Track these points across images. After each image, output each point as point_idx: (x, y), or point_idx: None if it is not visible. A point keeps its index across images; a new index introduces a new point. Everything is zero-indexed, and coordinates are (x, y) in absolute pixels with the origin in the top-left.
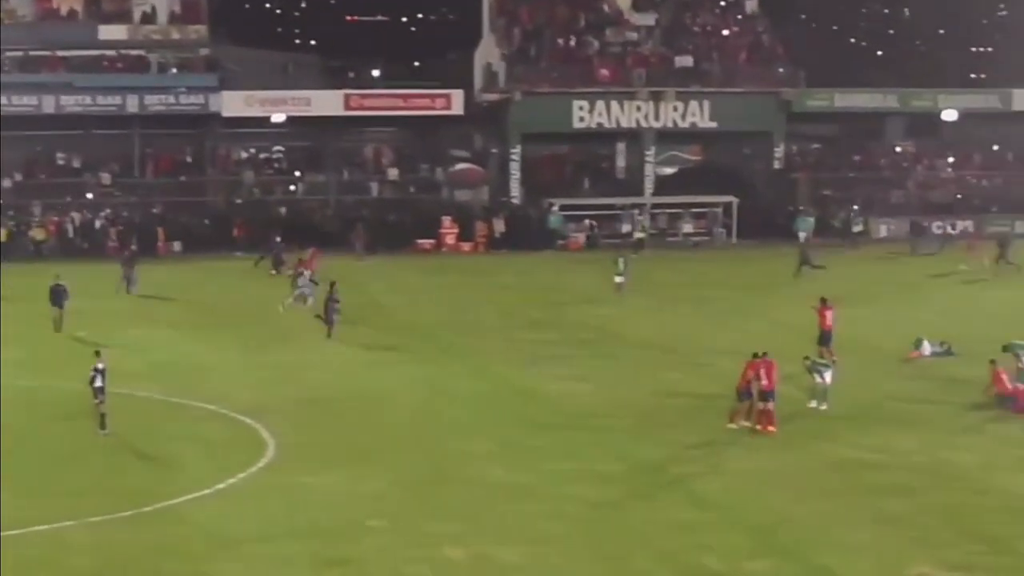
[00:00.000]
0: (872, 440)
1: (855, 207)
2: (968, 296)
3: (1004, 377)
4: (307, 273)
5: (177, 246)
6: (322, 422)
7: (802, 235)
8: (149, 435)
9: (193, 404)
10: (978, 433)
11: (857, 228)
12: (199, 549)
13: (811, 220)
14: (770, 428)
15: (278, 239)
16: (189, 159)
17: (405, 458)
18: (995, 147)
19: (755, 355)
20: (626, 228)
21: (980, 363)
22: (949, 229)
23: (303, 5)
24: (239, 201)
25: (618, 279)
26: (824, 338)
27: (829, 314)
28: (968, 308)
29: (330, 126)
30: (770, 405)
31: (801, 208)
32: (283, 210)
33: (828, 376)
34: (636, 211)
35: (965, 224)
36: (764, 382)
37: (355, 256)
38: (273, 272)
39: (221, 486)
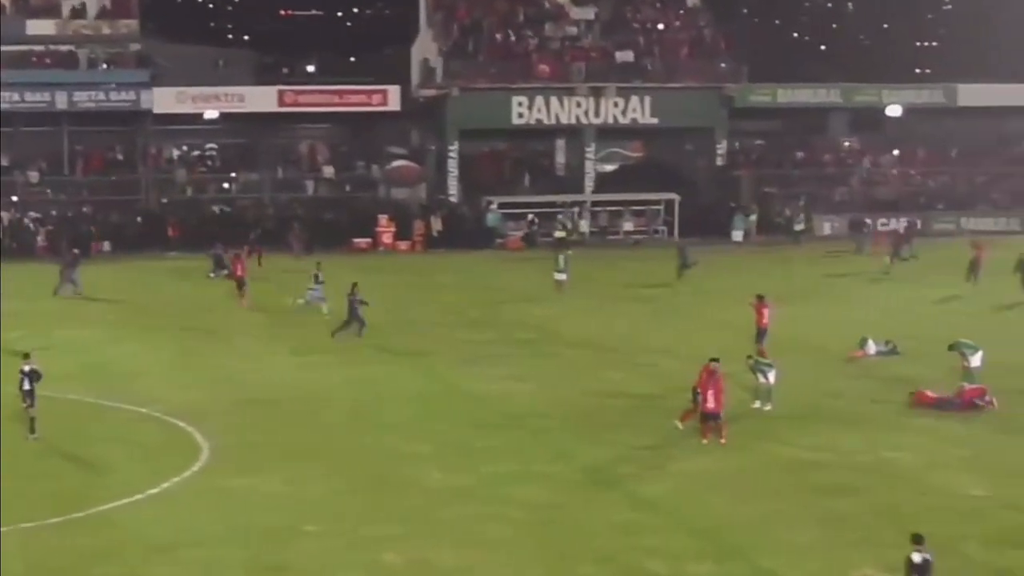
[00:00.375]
0: (816, 440)
1: (799, 204)
2: (912, 295)
3: (929, 396)
4: (320, 276)
5: (107, 246)
6: (258, 424)
7: (737, 234)
8: (80, 439)
9: (126, 407)
10: (922, 433)
11: (799, 227)
12: (132, 555)
13: (752, 218)
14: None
15: (219, 244)
16: (120, 157)
17: (342, 461)
18: (940, 143)
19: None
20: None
21: (925, 362)
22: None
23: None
24: (166, 200)
25: (559, 276)
26: (760, 335)
27: (766, 312)
28: (912, 307)
29: (264, 123)
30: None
31: (738, 206)
32: (217, 209)
33: (772, 376)
34: (560, 211)
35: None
36: (711, 404)
37: (293, 256)
38: (212, 275)
39: (154, 491)
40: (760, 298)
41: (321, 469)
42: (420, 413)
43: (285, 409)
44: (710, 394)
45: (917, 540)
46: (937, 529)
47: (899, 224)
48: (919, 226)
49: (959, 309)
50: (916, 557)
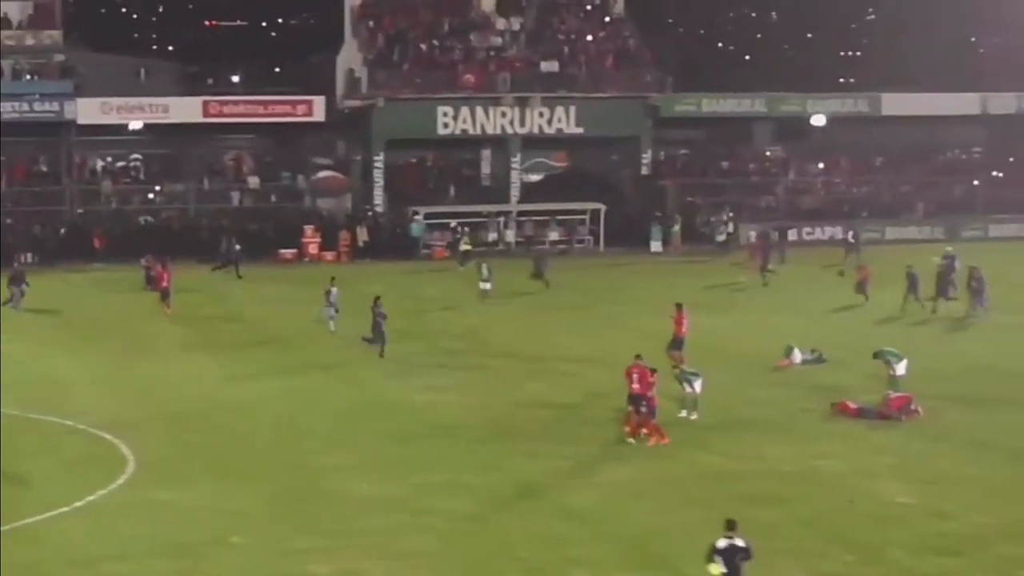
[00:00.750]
0: (743, 449)
1: (723, 215)
2: (837, 303)
3: (850, 407)
4: (334, 291)
5: (30, 257)
6: (183, 437)
7: (655, 244)
8: (6, 453)
9: (50, 420)
10: (848, 441)
11: (721, 237)
12: (56, 569)
13: (675, 228)
14: (645, 434)
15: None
16: (44, 168)
17: (268, 472)
18: (865, 152)
19: (637, 356)
20: (492, 236)
21: (850, 370)
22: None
23: (160, 10)
24: (91, 211)
25: (484, 286)
26: (676, 343)
27: (684, 321)
28: (837, 315)
29: (189, 133)
30: (641, 410)
31: (656, 216)
32: (143, 220)
33: (698, 385)
34: (454, 224)
35: (834, 230)
36: (635, 386)
37: (217, 267)
38: (148, 287)
39: (79, 504)
40: (679, 307)
41: (247, 481)
42: (346, 424)
43: (211, 421)
44: (635, 376)
45: (730, 526)
46: (864, 537)
47: (772, 234)
48: (786, 237)
49: (882, 317)
50: (721, 543)
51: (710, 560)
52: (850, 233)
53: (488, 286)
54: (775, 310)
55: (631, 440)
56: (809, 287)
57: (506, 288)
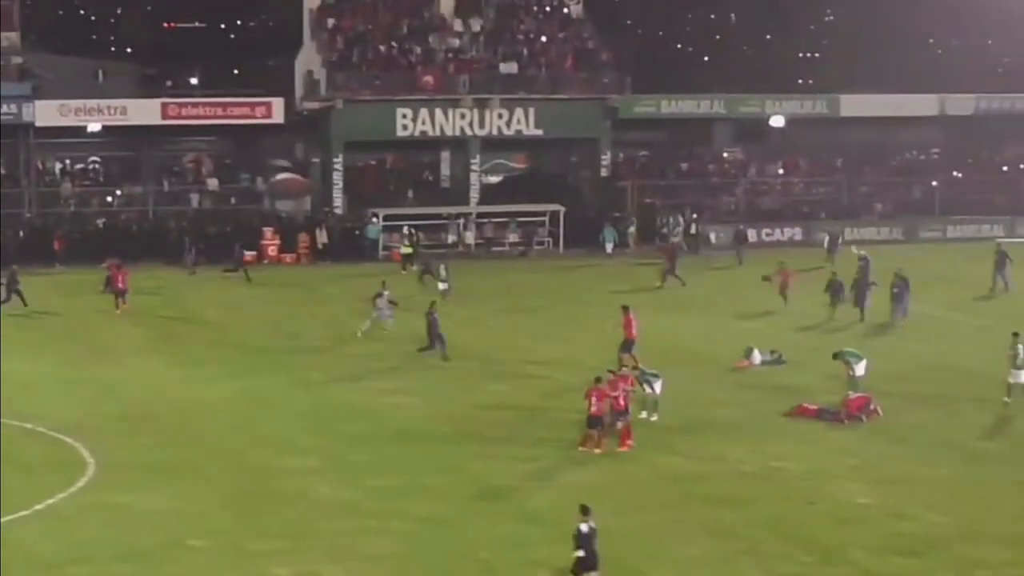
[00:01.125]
0: (703, 450)
1: (683, 216)
2: (792, 304)
3: (809, 408)
4: (386, 294)
5: None
6: (143, 440)
7: (608, 246)
8: None
9: (10, 423)
10: (808, 442)
11: (675, 238)
12: (17, 573)
13: (631, 230)
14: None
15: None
16: (2, 170)
17: (228, 475)
18: (824, 153)
19: (597, 379)
20: (451, 238)
21: (810, 371)
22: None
23: (118, 11)
24: (40, 214)
25: (442, 286)
26: (627, 346)
27: (633, 323)
28: (791, 316)
29: (148, 135)
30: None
31: (609, 217)
32: (100, 222)
33: (658, 386)
34: (405, 226)
35: (793, 231)
36: (594, 408)
37: (187, 270)
38: (106, 289)
39: (39, 507)
40: (624, 309)
41: (206, 484)
42: (306, 427)
43: (170, 424)
44: (593, 398)
45: (584, 511)
46: (824, 537)
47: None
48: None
49: (839, 317)
50: (583, 527)
51: (577, 547)
52: (827, 238)
53: (445, 286)
54: (735, 312)
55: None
56: (766, 287)
57: (466, 290)
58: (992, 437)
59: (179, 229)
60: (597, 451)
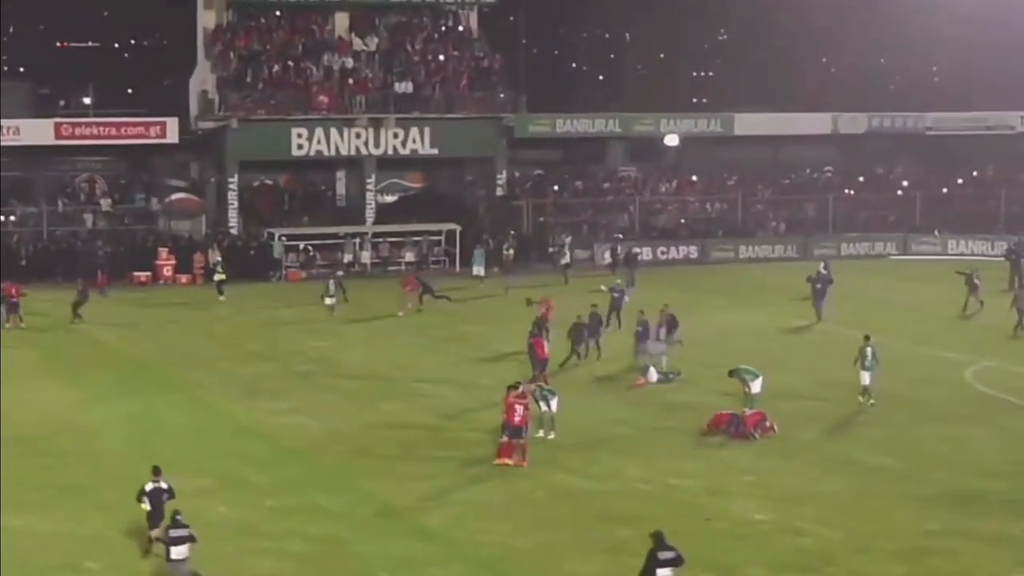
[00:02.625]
0: (600, 468)
1: (564, 238)
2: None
3: (722, 415)
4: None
5: None
6: (35, 461)
7: (478, 269)
8: None
9: None
10: (704, 459)
11: (564, 260)
12: None
13: (509, 252)
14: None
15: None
16: None
17: (121, 496)
18: (718, 171)
19: (511, 387)
20: (348, 257)
21: (705, 388)
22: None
23: (11, 30)
24: None
25: (329, 301)
26: (540, 366)
27: (545, 344)
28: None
29: (41, 155)
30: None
31: (480, 239)
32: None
33: (554, 404)
34: (274, 240)
35: (688, 250)
36: (517, 419)
37: (99, 292)
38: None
39: None
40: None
41: (100, 505)
42: (199, 448)
43: (61, 445)
44: (517, 408)
45: (156, 472)
46: (722, 555)
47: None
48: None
49: (741, 334)
50: (149, 486)
51: (140, 500)
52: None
53: (332, 301)
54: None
55: (500, 462)
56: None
57: (361, 310)
58: (885, 452)
59: (90, 251)
60: (524, 464)
